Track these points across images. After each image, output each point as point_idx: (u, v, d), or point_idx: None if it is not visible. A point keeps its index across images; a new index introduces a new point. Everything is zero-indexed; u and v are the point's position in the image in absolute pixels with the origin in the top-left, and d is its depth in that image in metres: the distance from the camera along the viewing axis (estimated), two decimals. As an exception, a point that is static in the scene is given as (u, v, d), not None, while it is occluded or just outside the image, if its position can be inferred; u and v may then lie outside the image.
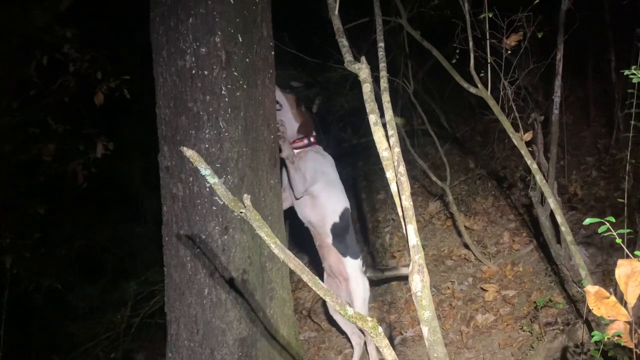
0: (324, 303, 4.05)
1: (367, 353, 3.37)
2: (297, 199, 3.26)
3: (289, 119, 3.31)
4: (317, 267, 4.24)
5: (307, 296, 4.34)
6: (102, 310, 4.55)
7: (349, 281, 3.26)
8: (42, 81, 3.72)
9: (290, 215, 3.42)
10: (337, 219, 3.25)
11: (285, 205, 3.29)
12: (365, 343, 3.42)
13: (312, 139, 3.38)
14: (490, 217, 4.41)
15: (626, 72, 1.92)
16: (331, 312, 3.55)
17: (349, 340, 3.53)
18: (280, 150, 3.07)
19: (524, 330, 3.10)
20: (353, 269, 3.27)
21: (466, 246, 4.00)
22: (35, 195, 4.19)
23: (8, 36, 3.63)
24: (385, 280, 4.03)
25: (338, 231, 3.26)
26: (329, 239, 3.27)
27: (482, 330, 3.30)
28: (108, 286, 4.88)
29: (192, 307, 2.68)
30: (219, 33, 2.56)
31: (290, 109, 3.33)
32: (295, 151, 3.29)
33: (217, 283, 2.65)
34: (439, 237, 4.41)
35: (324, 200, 3.24)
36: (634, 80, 1.90)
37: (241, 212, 1.25)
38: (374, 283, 3.60)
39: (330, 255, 3.30)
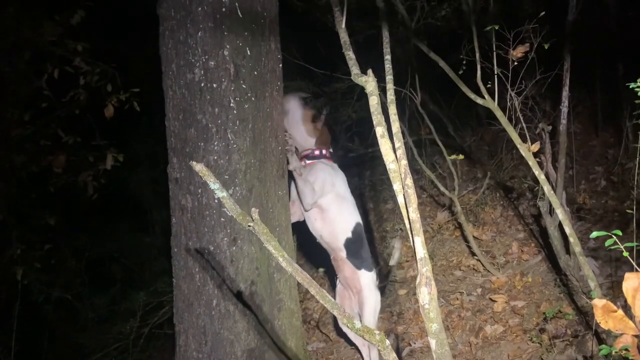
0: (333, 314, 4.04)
1: None
2: (306, 210, 3.25)
3: (300, 132, 3.31)
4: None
5: (315, 307, 4.33)
6: (111, 320, 4.58)
7: (362, 292, 3.24)
8: (53, 94, 3.79)
9: (300, 227, 3.41)
10: (349, 234, 3.21)
11: (294, 218, 3.28)
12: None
13: (324, 152, 3.38)
14: (499, 227, 4.39)
15: (631, 85, 1.92)
16: (340, 324, 3.54)
17: (358, 351, 3.52)
18: (288, 163, 3.09)
19: (533, 342, 3.08)
20: (367, 281, 3.24)
21: (475, 256, 3.99)
22: (46, 206, 4.24)
23: (20, 49, 3.69)
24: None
25: (352, 246, 3.22)
26: (343, 253, 3.24)
27: (491, 341, 3.28)
28: (117, 296, 4.92)
29: (200, 318, 2.69)
30: (228, 46, 2.59)
31: (304, 124, 3.32)
32: (308, 161, 3.30)
33: (225, 294, 2.66)
34: (448, 248, 4.40)
35: (334, 215, 3.20)
36: (640, 94, 1.90)
37: (249, 226, 1.26)
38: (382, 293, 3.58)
39: (345, 268, 3.28)
